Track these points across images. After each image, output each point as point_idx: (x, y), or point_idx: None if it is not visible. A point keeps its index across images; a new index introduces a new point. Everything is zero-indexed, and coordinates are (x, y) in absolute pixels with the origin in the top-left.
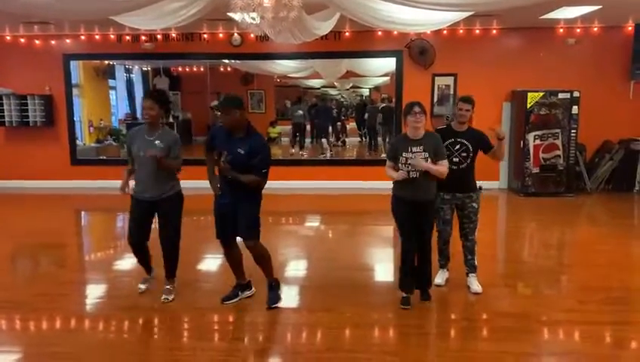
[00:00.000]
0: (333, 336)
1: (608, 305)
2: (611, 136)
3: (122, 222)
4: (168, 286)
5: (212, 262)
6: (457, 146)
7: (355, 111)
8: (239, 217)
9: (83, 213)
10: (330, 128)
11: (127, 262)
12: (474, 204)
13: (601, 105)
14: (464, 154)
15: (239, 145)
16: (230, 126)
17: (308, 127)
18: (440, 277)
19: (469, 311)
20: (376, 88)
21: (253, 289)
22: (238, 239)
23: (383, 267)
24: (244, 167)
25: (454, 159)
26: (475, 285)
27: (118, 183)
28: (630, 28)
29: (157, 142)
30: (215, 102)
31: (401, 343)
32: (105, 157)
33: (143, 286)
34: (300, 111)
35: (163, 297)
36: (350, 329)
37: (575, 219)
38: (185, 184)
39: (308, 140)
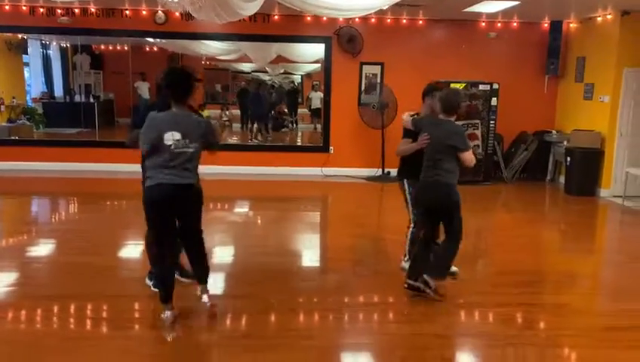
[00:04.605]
0: (254, 322)
1: (519, 288)
2: (527, 128)
3: (36, 206)
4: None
5: (132, 249)
6: None
7: (287, 97)
8: None
9: None
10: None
11: (41, 249)
12: None
13: (519, 98)
14: None
15: None
16: None
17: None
18: None
19: (387, 294)
20: (308, 75)
21: None
22: None
23: (309, 253)
24: None
25: None
26: None
27: (32, 165)
28: (546, 25)
29: None
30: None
31: (320, 327)
32: (17, 138)
33: None
34: (263, 98)
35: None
36: (273, 314)
37: (491, 206)
38: (107, 167)
39: (237, 125)
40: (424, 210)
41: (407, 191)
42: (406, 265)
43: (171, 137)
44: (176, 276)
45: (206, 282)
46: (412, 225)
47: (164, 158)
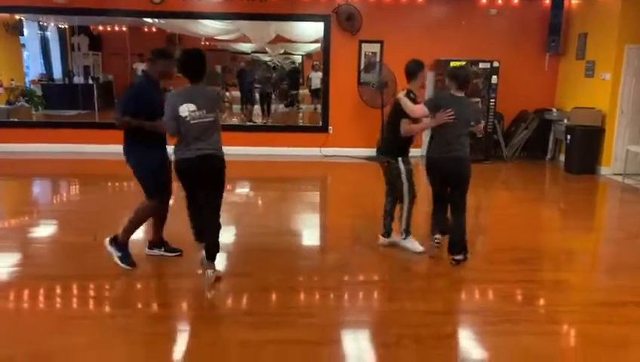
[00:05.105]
0: (255, 300)
1: (518, 265)
2: (527, 106)
3: (38, 187)
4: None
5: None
6: None
7: (288, 77)
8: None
9: None
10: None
11: (42, 230)
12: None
13: (519, 76)
14: None
15: None
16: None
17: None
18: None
19: (385, 272)
20: (309, 55)
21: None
22: None
23: (309, 232)
24: None
25: None
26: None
27: (31, 147)
28: (547, 1)
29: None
30: None
31: (320, 305)
32: (17, 120)
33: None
34: (264, 78)
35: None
36: (273, 292)
37: (491, 185)
38: (106, 149)
39: (237, 106)
40: (440, 183)
41: (402, 169)
42: (390, 240)
43: (186, 109)
44: (161, 252)
45: (214, 259)
46: (407, 201)
47: (186, 131)
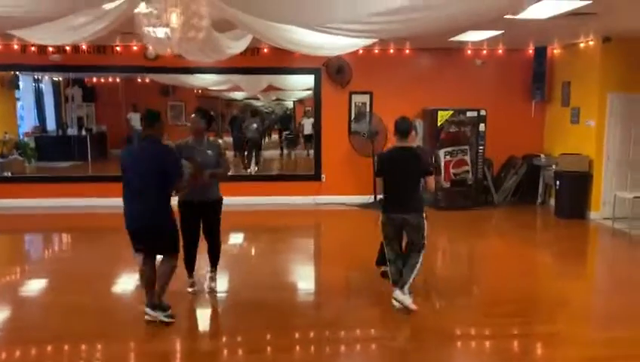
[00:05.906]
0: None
1: (510, 317)
2: (516, 152)
3: (29, 244)
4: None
5: (125, 287)
6: None
7: (280, 122)
8: None
9: None
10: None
11: (33, 288)
12: None
13: (507, 123)
14: None
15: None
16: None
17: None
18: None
19: (378, 329)
20: (300, 101)
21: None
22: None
23: (303, 285)
24: None
25: None
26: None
27: (25, 202)
28: (531, 51)
29: (209, 151)
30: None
31: None
32: (10, 174)
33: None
34: (255, 125)
35: (206, 284)
36: (270, 352)
37: (482, 231)
38: (100, 202)
39: (231, 153)
40: None
41: (426, 225)
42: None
43: None
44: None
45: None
46: (422, 254)
47: None
